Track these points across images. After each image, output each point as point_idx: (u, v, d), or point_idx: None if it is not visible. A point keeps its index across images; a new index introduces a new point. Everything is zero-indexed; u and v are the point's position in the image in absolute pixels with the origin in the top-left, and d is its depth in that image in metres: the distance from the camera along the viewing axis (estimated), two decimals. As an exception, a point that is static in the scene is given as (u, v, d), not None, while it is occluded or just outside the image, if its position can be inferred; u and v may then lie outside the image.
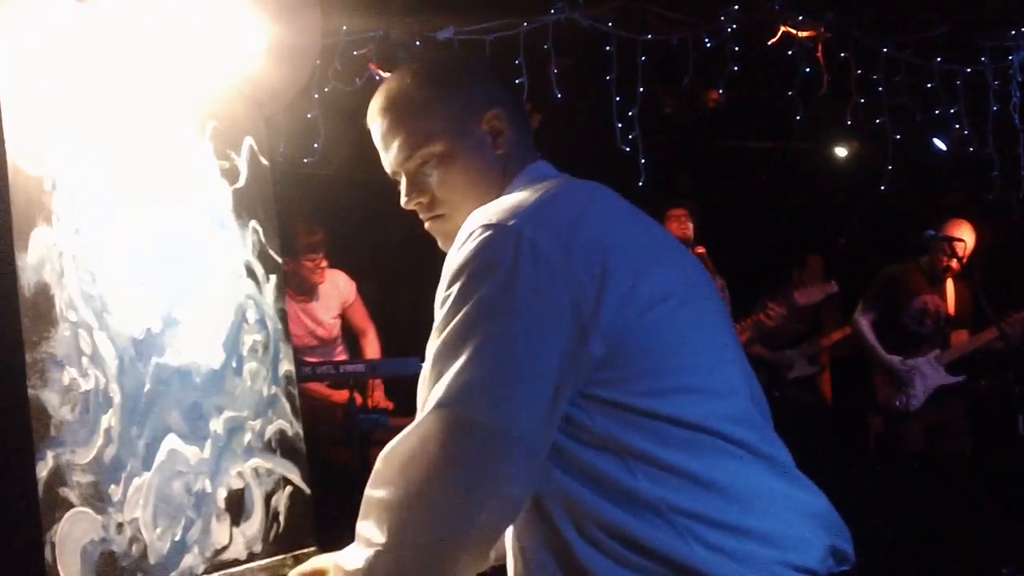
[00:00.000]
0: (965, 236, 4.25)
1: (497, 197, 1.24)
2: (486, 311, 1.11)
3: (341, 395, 3.98)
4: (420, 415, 1.14)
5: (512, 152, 1.31)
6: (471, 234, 1.15)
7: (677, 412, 1.12)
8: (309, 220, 4.07)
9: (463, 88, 1.32)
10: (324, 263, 4.12)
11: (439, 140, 1.29)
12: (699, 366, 1.16)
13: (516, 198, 1.19)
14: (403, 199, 1.33)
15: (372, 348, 4.28)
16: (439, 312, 1.16)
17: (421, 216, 1.34)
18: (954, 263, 4.23)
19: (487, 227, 1.14)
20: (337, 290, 4.24)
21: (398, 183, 1.35)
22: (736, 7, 4.15)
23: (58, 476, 1.31)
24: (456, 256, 1.15)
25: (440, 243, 1.33)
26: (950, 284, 4.38)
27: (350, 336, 4.44)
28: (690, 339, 1.17)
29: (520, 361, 1.10)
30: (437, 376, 1.13)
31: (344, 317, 4.31)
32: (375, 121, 1.33)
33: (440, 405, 1.10)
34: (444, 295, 1.15)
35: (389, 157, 1.33)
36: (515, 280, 1.11)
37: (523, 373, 1.10)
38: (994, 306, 4.12)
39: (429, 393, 1.13)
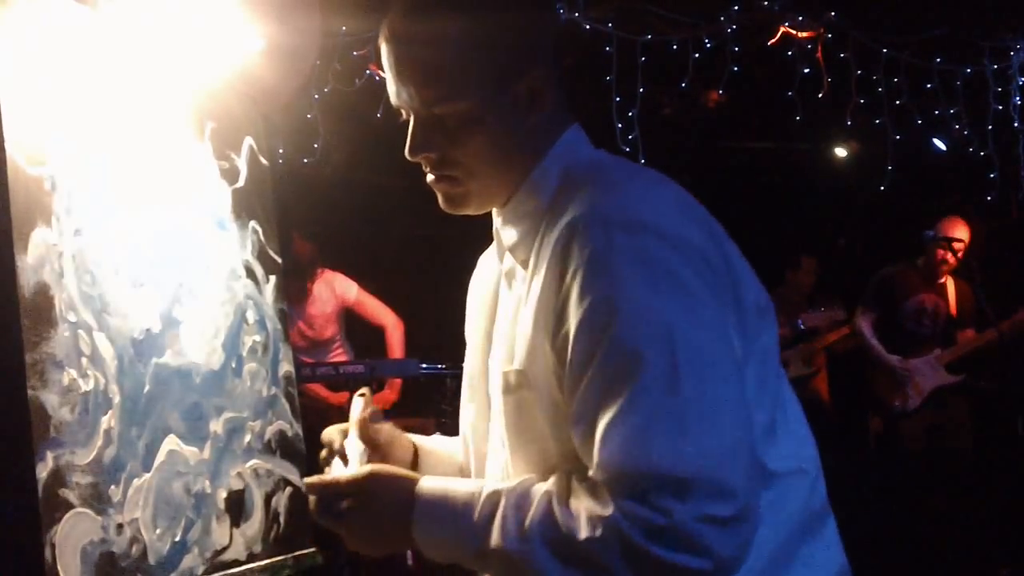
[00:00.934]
0: (961, 234, 4.26)
1: (527, 165, 1.08)
2: (682, 331, 0.93)
3: (339, 397, 3.99)
4: (604, 487, 0.93)
5: (551, 116, 1.09)
6: (594, 233, 0.96)
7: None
8: (302, 231, 4.08)
9: (510, 32, 1.06)
10: (319, 271, 4.15)
11: (467, 98, 1.04)
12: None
13: (613, 184, 1.02)
14: (407, 149, 1.08)
15: (394, 339, 4.26)
16: (579, 343, 0.96)
17: (426, 170, 1.10)
18: (950, 259, 4.24)
19: (623, 226, 0.96)
20: (331, 291, 4.23)
21: (402, 120, 1.10)
22: (736, 8, 4.15)
23: (58, 477, 1.31)
24: (584, 273, 0.96)
25: (442, 203, 1.12)
26: (950, 283, 4.38)
27: (360, 336, 4.44)
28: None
29: (730, 394, 0.95)
30: (621, 430, 0.92)
31: (355, 316, 4.32)
32: (388, 43, 1.06)
33: (657, 471, 0.90)
34: (584, 320, 0.95)
35: (398, 93, 1.07)
36: (699, 289, 0.96)
37: (739, 409, 0.95)
38: (994, 307, 4.12)
39: (602, 453, 0.93)
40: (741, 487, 0.91)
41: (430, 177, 1.10)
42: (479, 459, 1.19)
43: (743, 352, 1.00)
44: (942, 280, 4.37)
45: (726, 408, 0.94)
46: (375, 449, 1.19)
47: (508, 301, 1.12)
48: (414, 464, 1.25)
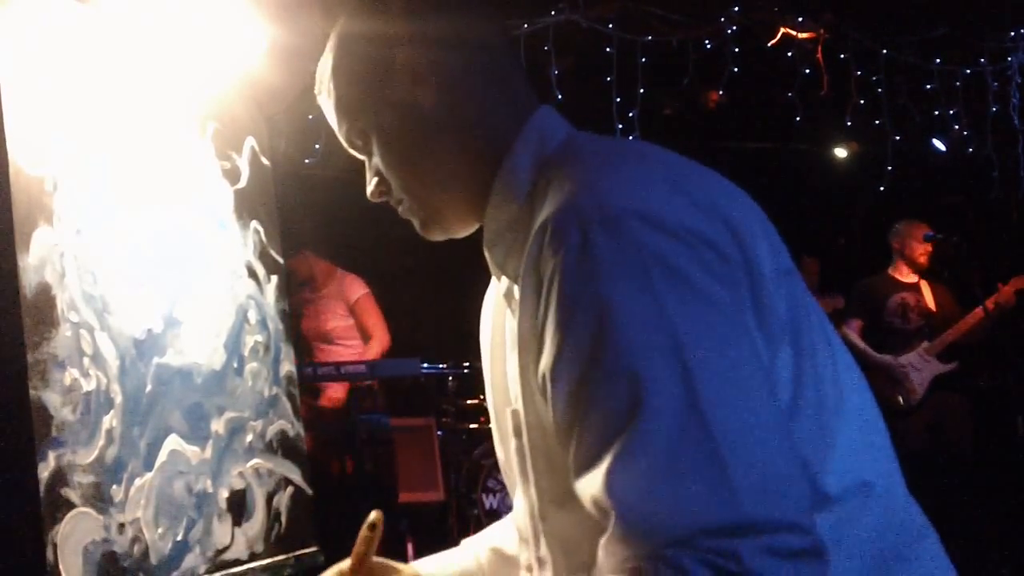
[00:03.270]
0: (925, 231, 4.33)
1: (479, 168, 0.95)
2: (687, 325, 0.75)
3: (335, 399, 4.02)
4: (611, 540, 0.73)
5: (492, 105, 0.95)
6: (567, 234, 0.79)
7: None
8: (315, 249, 4.15)
9: (364, 25, 0.98)
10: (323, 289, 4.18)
11: (356, 112, 0.98)
12: None
13: (588, 171, 0.85)
14: (367, 188, 1.02)
15: (369, 353, 4.28)
16: (563, 375, 0.78)
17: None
18: (924, 256, 4.30)
19: (603, 220, 0.78)
20: (340, 291, 4.29)
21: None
22: (736, 9, 4.15)
23: (59, 477, 1.31)
24: (560, 285, 0.78)
25: (418, 229, 1.02)
26: (925, 285, 4.43)
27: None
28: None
29: (763, 406, 0.75)
30: (613, 461, 0.72)
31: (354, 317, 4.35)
32: (319, 100, 1.04)
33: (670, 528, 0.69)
34: (564, 345, 0.77)
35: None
36: (705, 282, 0.77)
37: (774, 422, 0.75)
38: (983, 288, 4.14)
39: (596, 489, 0.74)
40: (807, 520, 0.72)
41: (400, 211, 1.02)
42: (515, 492, 1.05)
43: (771, 352, 0.82)
44: (915, 281, 4.42)
45: (763, 421, 0.74)
46: None
47: (512, 326, 0.97)
48: None
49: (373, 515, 1.10)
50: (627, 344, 0.74)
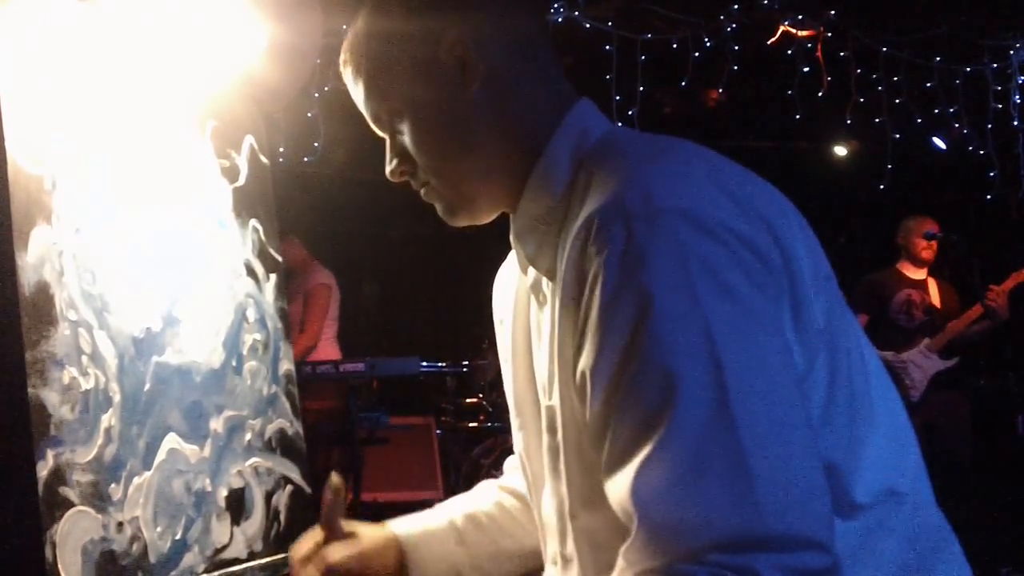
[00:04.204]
0: (930, 227, 4.32)
1: (517, 158, 0.94)
2: (725, 340, 0.73)
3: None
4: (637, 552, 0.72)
5: (532, 94, 0.94)
6: (612, 231, 0.78)
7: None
8: (297, 233, 4.13)
9: (408, 9, 0.96)
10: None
11: (394, 93, 0.96)
12: None
13: (634, 168, 0.83)
14: (386, 167, 1.01)
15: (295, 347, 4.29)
16: (601, 371, 0.77)
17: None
18: (930, 252, 4.29)
19: (646, 217, 0.77)
20: (304, 280, 4.30)
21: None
22: (736, 7, 4.15)
23: (58, 475, 1.30)
24: (603, 282, 0.77)
25: (441, 213, 1.01)
26: (932, 282, 4.42)
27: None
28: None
29: (795, 419, 0.74)
30: (652, 473, 0.71)
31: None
32: (342, 69, 1.03)
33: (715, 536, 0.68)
34: (605, 341, 0.77)
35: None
36: (746, 289, 0.76)
37: (804, 436, 0.74)
38: (982, 284, 4.14)
39: (631, 499, 0.73)
40: (827, 538, 0.71)
41: (423, 194, 1.01)
42: (538, 485, 1.04)
43: (807, 359, 0.81)
44: (923, 277, 4.41)
45: (794, 434, 0.73)
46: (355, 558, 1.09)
47: (541, 319, 0.98)
48: (401, 566, 1.13)
49: (333, 479, 1.11)
50: (664, 343, 0.74)
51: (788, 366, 0.77)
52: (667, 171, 0.83)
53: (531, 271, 0.98)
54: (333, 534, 1.11)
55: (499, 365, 1.14)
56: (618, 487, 0.75)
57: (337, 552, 1.10)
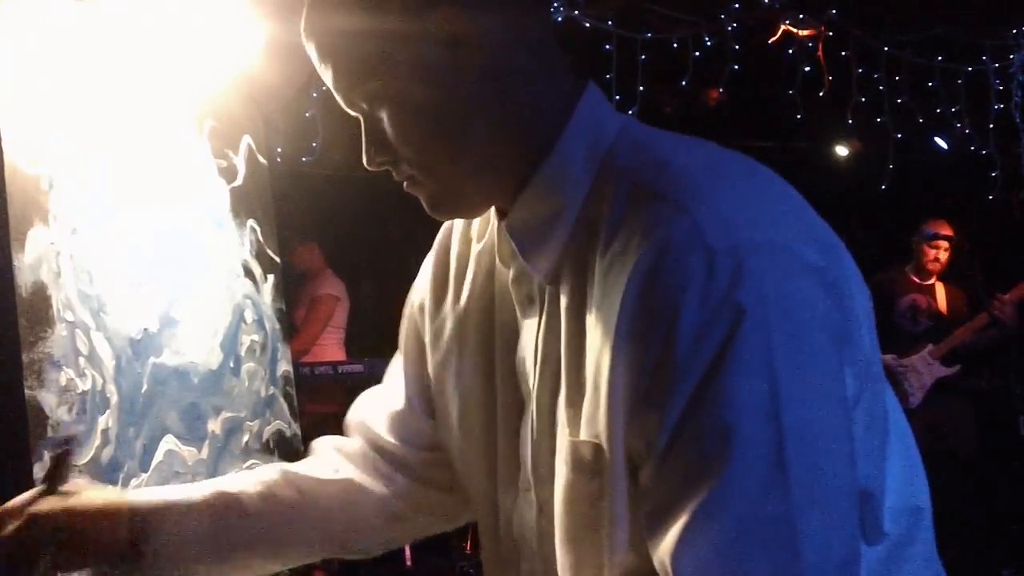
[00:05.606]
0: (944, 233, 4.30)
1: (518, 149, 0.84)
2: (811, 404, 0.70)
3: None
4: None
5: (535, 79, 0.84)
6: (691, 266, 0.71)
7: None
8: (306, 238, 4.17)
9: None
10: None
11: (376, 71, 0.82)
12: None
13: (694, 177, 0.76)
14: (363, 155, 0.88)
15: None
16: (667, 392, 0.71)
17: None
18: (941, 258, 4.27)
19: (729, 250, 0.71)
20: (315, 287, 4.34)
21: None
22: (737, 6, 4.15)
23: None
24: (679, 321, 0.71)
25: (426, 207, 0.90)
26: (940, 286, 4.41)
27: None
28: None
29: (846, 489, 0.72)
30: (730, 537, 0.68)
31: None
32: (306, 44, 0.87)
33: None
34: (675, 372, 0.71)
35: (340, 97, 0.88)
36: (819, 339, 0.72)
37: (851, 505, 0.73)
38: (989, 296, 4.13)
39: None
40: None
41: (405, 186, 0.89)
42: (512, 517, 0.92)
43: (856, 388, 0.77)
44: (931, 282, 4.39)
45: (843, 505, 0.71)
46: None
47: (527, 324, 0.88)
48: (134, 535, 0.94)
49: (69, 432, 1.02)
50: (731, 397, 0.69)
51: (845, 414, 0.74)
52: (739, 193, 0.77)
53: (516, 265, 0.88)
54: (51, 491, 0.96)
55: None
56: (660, 542, 0.72)
57: (45, 504, 0.93)
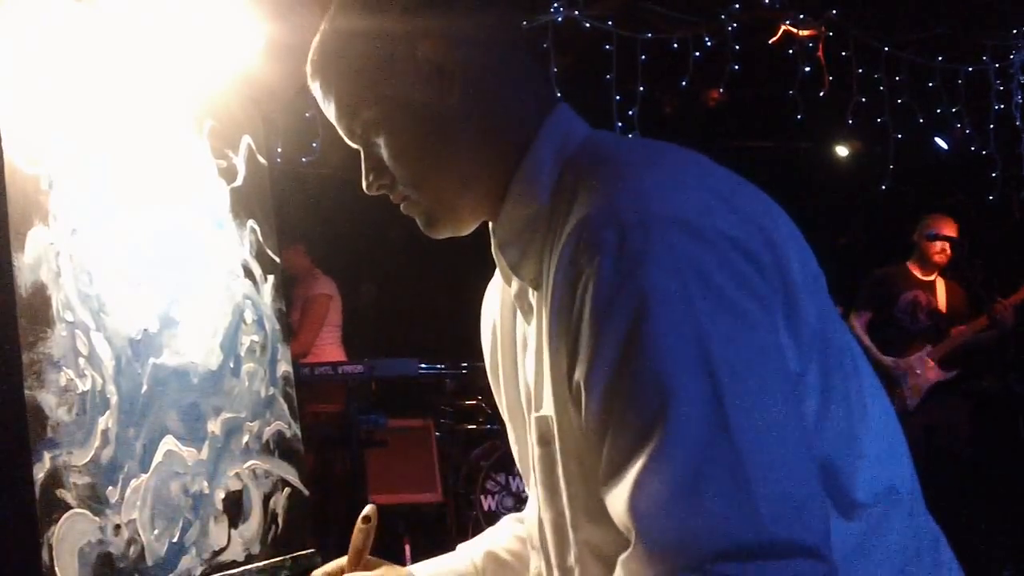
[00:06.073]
0: (951, 231, 4.29)
1: (499, 164, 0.92)
2: (720, 347, 0.73)
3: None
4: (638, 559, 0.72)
5: (511, 99, 0.92)
6: (604, 238, 0.77)
7: None
8: (302, 243, 4.19)
9: (381, 15, 0.93)
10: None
11: (368, 103, 0.93)
12: None
13: (625, 173, 0.82)
14: (363, 181, 0.98)
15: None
16: (597, 380, 0.76)
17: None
18: (945, 255, 4.26)
19: (640, 224, 0.76)
20: (306, 288, 4.36)
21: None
22: (737, 6, 4.15)
23: (55, 478, 1.30)
24: (596, 290, 0.76)
25: (422, 226, 0.99)
26: (940, 283, 4.40)
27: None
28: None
29: (790, 426, 0.74)
30: (653, 477, 0.71)
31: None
32: (311, 83, 1.00)
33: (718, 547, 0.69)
34: (599, 350, 0.76)
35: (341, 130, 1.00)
36: (739, 295, 0.76)
37: (799, 443, 0.74)
38: (990, 296, 4.13)
39: (631, 503, 0.73)
40: (824, 545, 0.71)
41: (402, 208, 0.98)
42: (531, 497, 1.05)
43: (802, 363, 0.80)
44: (932, 278, 4.38)
45: (790, 441, 0.73)
46: None
47: (527, 330, 0.97)
48: None
49: (368, 508, 1.10)
50: (657, 352, 0.73)
51: (783, 371, 0.77)
52: (658, 176, 0.82)
53: (515, 281, 0.96)
54: (359, 563, 1.10)
55: None
56: (616, 500, 0.75)
57: None
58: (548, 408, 0.87)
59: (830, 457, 0.81)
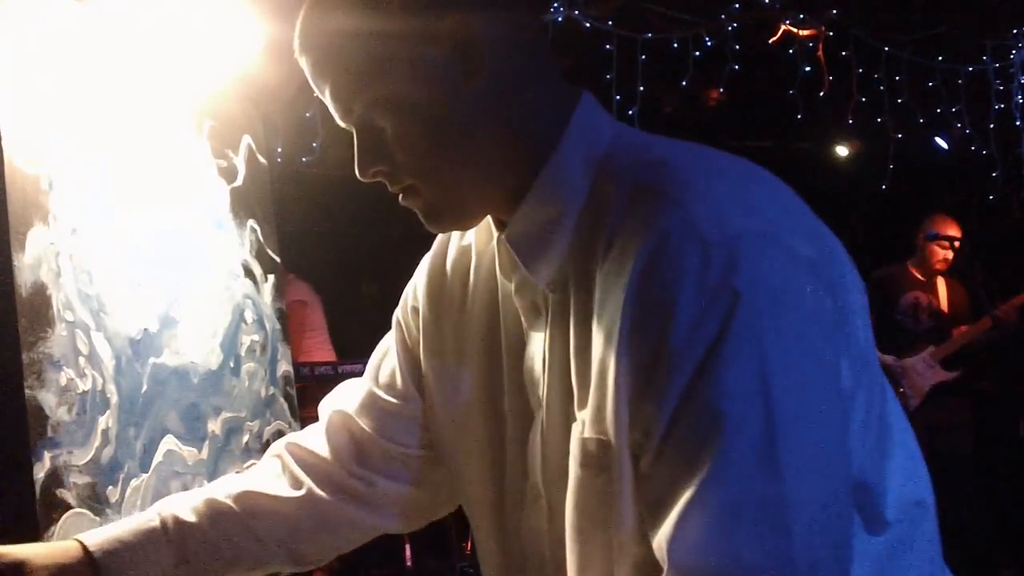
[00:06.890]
0: (953, 231, 4.29)
1: (519, 157, 0.85)
2: (800, 386, 0.72)
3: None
4: None
5: (535, 87, 0.85)
6: (686, 258, 0.73)
7: None
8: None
9: None
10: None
11: (377, 80, 0.83)
12: None
13: (689, 178, 0.78)
14: (356, 169, 0.89)
15: None
16: (666, 404, 0.74)
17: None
18: (948, 256, 4.26)
19: (723, 243, 0.73)
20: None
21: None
22: (737, 5, 4.15)
23: (55, 477, 1.30)
24: (676, 311, 0.73)
25: (424, 219, 0.91)
26: (941, 283, 4.39)
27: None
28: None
29: (836, 462, 0.74)
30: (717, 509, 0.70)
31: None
32: (300, 57, 0.88)
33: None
34: (672, 362, 0.73)
35: (332, 109, 0.89)
36: (805, 327, 0.74)
37: (844, 479, 0.75)
38: (990, 296, 4.13)
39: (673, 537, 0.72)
40: None
41: (400, 198, 0.90)
42: (490, 514, 0.97)
43: (853, 384, 0.79)
44: (934, 279, 4.38)
45: (835, 492, 0.72)
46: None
47: (531, 330, 0.90)
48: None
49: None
50: (719, 383, 0.71)
51: (838, 403, 0.76)
52: (732, 188, 0.79)
53: (517, 278, 0.89)
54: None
55: None
56: (658, 530, 0.74)
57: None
58: (603, 431, 0.80)
59: (864, 476, 0.80)
